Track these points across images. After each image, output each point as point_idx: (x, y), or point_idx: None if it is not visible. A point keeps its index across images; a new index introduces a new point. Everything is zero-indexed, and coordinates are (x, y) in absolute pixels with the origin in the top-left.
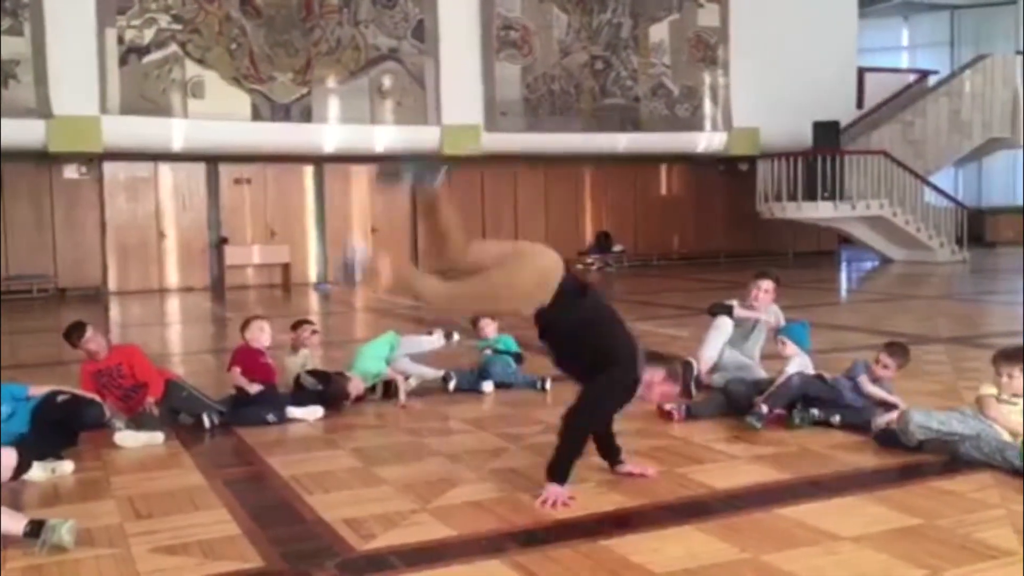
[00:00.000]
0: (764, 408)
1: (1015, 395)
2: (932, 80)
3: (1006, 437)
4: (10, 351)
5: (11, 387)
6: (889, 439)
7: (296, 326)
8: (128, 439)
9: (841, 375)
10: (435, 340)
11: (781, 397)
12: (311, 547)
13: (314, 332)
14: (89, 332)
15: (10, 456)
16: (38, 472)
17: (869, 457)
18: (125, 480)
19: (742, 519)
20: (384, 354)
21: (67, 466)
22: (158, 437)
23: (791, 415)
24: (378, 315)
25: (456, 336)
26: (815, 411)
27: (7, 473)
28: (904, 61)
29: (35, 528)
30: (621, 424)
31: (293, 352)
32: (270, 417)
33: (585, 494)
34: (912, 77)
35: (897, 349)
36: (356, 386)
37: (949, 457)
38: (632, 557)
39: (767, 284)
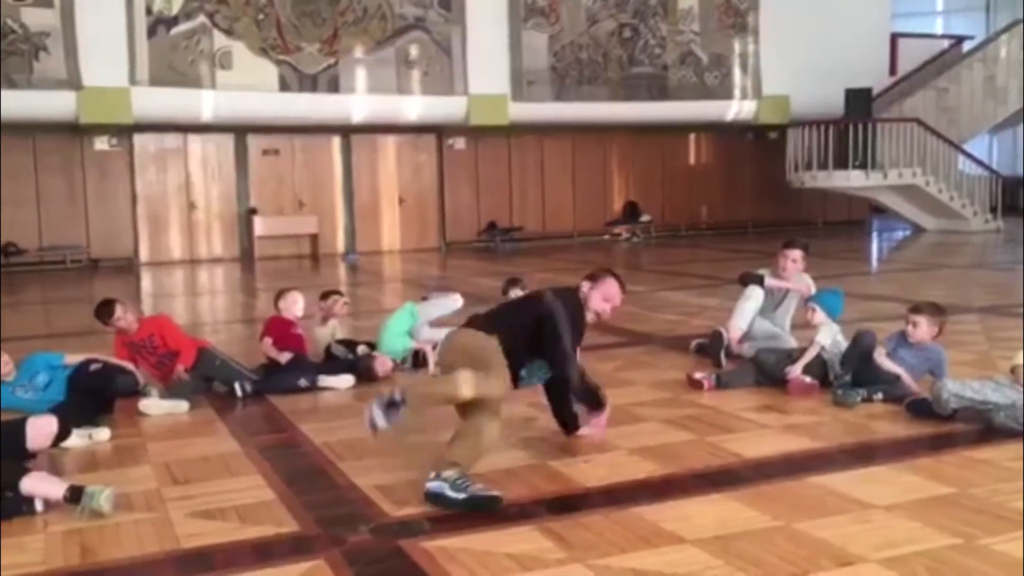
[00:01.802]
0: (849, 380)
1: None
2: (967, 46)
3: None
4: (45, 320)
5: (47, 356)
6: (922, 408)
7: (325, 296)
8: (151, 407)
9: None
10: (453, 302)
11: (849, 362)
12: (345, 512)
13: (345, 303)
14: (119, 311)
15: (51, 424)
16: (75, 439)
17: (902, 426)
18: (161, 447)
19: (773, 487)
20: (406, 328)
21: (103, 433)
22: (182, 405)
23: (835, 392)
24: (406, 285)
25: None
26: (862, 391)
27: (48, 440)
28: (938, 26)
29: (75, 494)
30: (652, 393)
31: (322, 323)
32: (302, 382)
33: (616, 462)
34: (946, 43)
35: (921, 305)
36: (384, 365)
37: (983, 426)
38: (663, 524)
39: (795, 253)
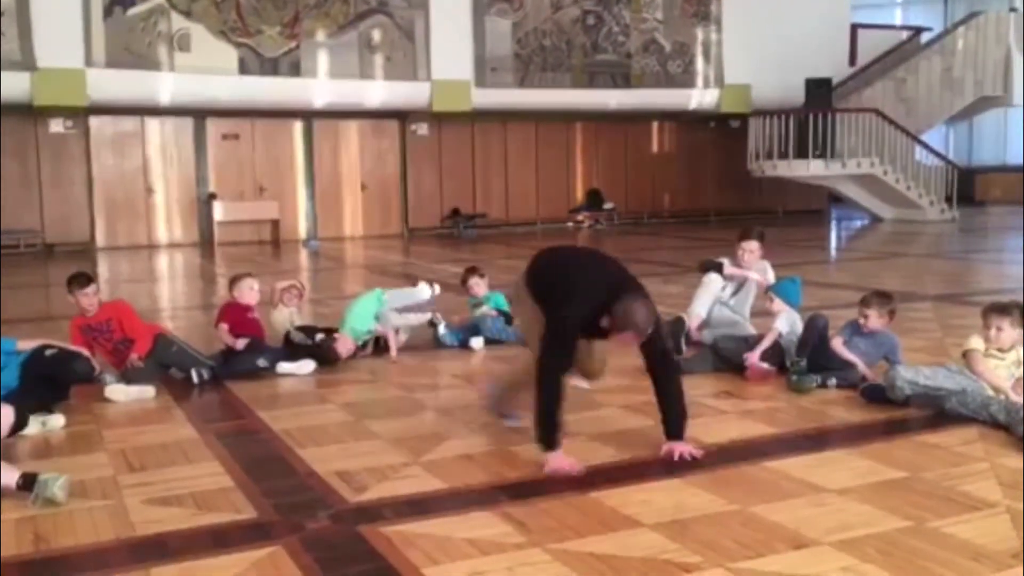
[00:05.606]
0: (804, 366)
1: (1001, 349)
2: (925, 37)
3: (991, 392)
4: None
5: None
6: (876, 394)
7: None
8: (118, 393)
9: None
10: (422, 292)
11: (805, 346)
12: (304, 499)
13: (292, 286)
14: (91, 288)
15: (7, 413)
16: (29, 426)
17: (856, 412)
18: (117, 433)
19: (730, 472)
20: (372, 311)
21: (58, 420)
22: (149, 391)
23: (790, 378)
24: (367, 271)
25: (438, 288)
26: (816, 377)
27: (4, 430)
28: (897, 18)
29: (28, 481)
30: (611, 379)
31: (275, 307)
32: (260, 362)
33: (575, 447)
34: (905, 34)
35: (869, 298)
36: (346, 346)
37: (935, 412)
38: (622, 509)
39: (752, 244)
